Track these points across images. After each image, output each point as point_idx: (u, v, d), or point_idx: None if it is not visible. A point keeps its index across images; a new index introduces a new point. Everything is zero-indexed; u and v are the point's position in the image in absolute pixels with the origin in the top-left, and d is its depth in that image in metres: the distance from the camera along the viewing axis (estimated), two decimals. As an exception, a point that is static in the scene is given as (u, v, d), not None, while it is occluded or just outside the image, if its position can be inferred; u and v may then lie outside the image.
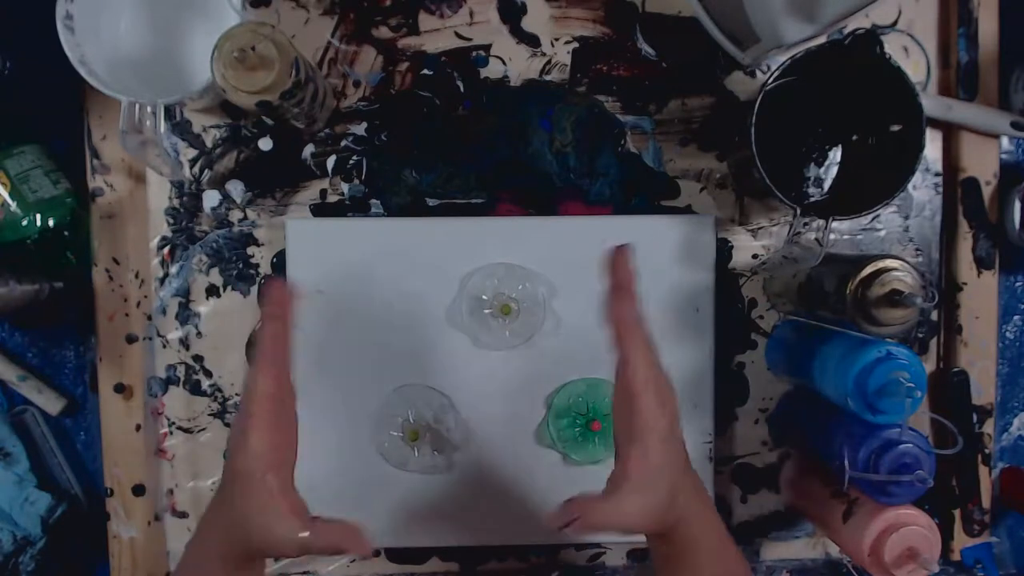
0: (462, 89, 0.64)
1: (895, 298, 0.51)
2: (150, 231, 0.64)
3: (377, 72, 0.64)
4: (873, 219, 0.66)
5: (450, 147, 0.64)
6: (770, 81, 0.55)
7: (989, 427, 0.66)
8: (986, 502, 0.66)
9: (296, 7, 0.64)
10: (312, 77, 0.56)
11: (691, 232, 0.63)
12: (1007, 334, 0.68)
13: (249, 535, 0.42)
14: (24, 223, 0.61)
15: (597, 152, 0.65)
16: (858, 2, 0.50)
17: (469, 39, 0.64)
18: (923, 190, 0.66)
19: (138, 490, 0.64)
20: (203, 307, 0.65)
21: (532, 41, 0.64)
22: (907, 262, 0.52)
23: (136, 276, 0.64)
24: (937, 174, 0.66)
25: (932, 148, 0.65)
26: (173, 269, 0.64)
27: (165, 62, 0.60)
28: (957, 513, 0.66)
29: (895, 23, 0.65)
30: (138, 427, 0.64)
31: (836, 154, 0.63)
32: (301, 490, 0.44)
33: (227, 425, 0.65)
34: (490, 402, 0.64)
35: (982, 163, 0.64)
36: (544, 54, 0.64)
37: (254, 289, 0.65)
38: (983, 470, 0.66)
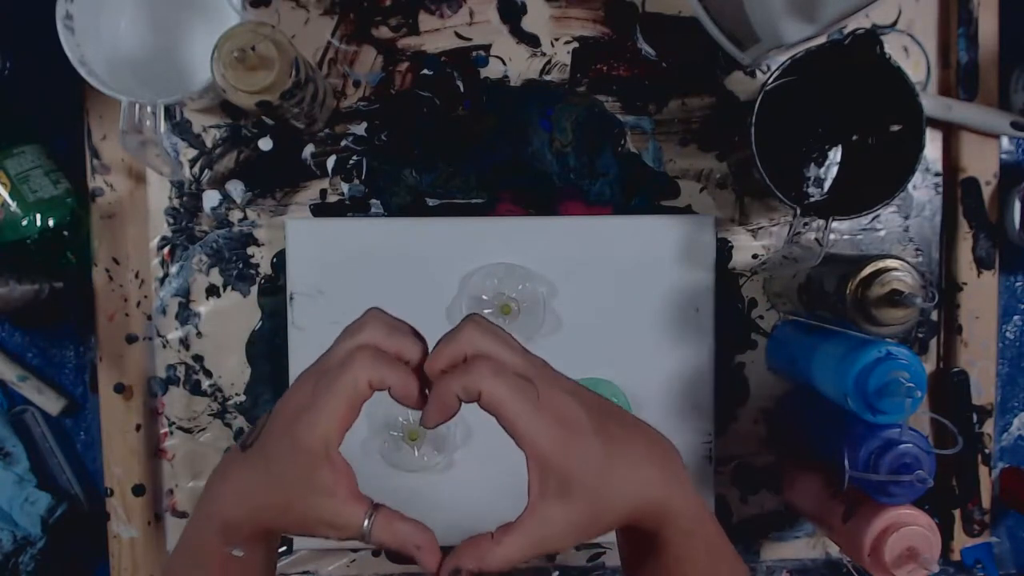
0: (462, 89, 0.64)
1: (895, 298, 0.51)
2: (150, 231, 0.64)
3: (377, 72, 0.64)
4: (873, 219, 0.66)
5: (450, 147, 0.64)
6: (770, 81, 0.55)
7: (989, 427, 0.66)
8: (986, 502, 0.66)
9: (296, 7, 0.64)
10: (312, 77, 0.56)
11: (691, 232, 0.63)
12: (1007, 334, 0.68)
13: (289, 510, 0.39)
14: (24, 223, 0.61)
15: (597, 152, 0.65)
16: (858, 2, 0.50)
17: (469, 39, 0.64)
18: (923, 190, 0.66)
19: (138, 490, 0.64)
20: (203, 307, 0.65)
21: (532, 41, 0.64)
22: (907, 262, 0.52)
23: (136, 276, 0.64)
24: (937, 174, 0.66)
25: (932, 148, 0.65)
26: (173, 269, 0.64)
27: (165, 62, 0.60)
28: (957, 513, 0.66)
29: (895, 23, 0.65)
30: (138, 427, 0.64)
31: (836, 154, 0.63)
32: None
33: (227, 425, 0.66)
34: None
35: (982, 163, 0.64)
36: (544, 54, 0.64)
37: (254, 289, 0.65)
38: (983, 470, 0.66)
